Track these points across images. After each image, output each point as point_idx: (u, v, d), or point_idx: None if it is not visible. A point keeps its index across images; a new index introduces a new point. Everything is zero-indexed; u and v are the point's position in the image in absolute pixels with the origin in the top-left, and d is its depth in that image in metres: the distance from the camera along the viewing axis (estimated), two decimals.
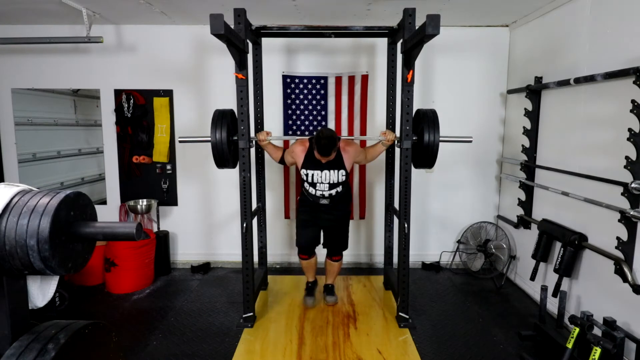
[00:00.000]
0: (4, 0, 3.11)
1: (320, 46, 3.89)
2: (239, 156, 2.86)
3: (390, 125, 3.45)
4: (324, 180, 2.94)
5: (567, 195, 2.88)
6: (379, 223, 4.03)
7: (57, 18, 3.58)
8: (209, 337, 2.83)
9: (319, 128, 3.04)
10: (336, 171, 2.93)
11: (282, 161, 3.12)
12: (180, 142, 3.11)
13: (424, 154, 2.88)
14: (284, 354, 2.60)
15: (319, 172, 2.93)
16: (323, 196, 3.00)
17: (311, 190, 3.01)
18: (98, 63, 3.89)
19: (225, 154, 2.87)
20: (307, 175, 2.96)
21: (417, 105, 3.69)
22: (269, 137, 3.02)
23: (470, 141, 2.96)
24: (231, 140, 2.87)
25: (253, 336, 2.83)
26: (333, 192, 2.98)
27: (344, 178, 2.96)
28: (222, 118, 2.86)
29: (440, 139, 2.82)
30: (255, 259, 3.31)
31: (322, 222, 3.13)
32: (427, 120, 2.86)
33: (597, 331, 2.31)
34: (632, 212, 2.25)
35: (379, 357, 2.58)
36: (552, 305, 2.94)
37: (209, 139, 2.85)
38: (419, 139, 2.88)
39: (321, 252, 3.29)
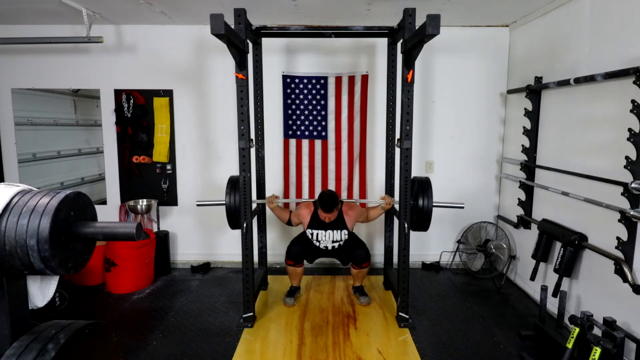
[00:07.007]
0: (4, 0, 3.11)
1: (320, 46, 3.89)
2: (239, 156, 2.86)
3: (390, 124, 3.46)
4: (327, 238, 3.21)
5: (567, 195, 2.88)
6: (379, 223, 4.03)
7: (57, 18, 3.58)
8: (209, 337, 2.83)
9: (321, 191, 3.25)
10: (339, 231, 3.20)
11: (288, 222, 3.34)
12: (197, 205, 3.26)
13: (419, 217, 3.01)
14: (284, 354, 2.60)
15: (323, 231, 3.20)
16: (327, 248, 3.25)
17: (315, 243, 3.25)
18: (98, 63, 3.89)
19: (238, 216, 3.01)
20: (312, 234, 3.22)
21: (417, 105, 3.71)
22: (276, 200, 3.24)
23: (462, 207, 3.11)
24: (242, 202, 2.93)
25: (253, 336, 2.83)
26: (336, 245, 3.24)
27: (346, 237, 3.23)
28: (234, 185, 3.06)
29: (434, 204, 2.97)
30: (255, 259, 3.32)
31: (327, 253, 3.30)
32: (421, 188, 3.00)
33: (597, 331, 2.31)
34: (632, 212, 2.25)
35: (379, 357, 2.58)
36: (552, 305, 2.94)
37: (224, 202, 3.05)
38: (415, 203, 3.00)
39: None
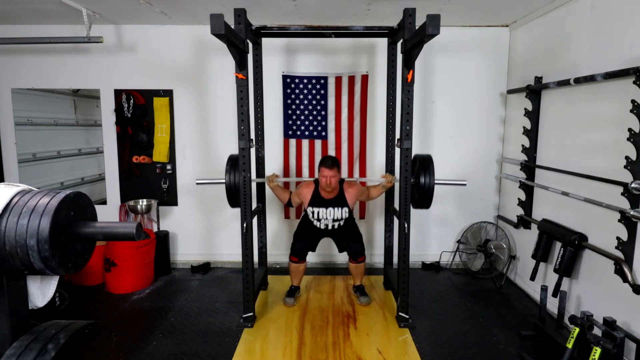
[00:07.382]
0: (4, 0, 3.11)
1: (320, 46, 3.89)
2: (239, 156, 2.86)
3: (390, 124, 3.46)
4: (328, 217, 3.16)
5: (567, 195, 2.88)
6: (379, 223, 4.04)
7: (57, 18, 3.58)
8: (209, 337, 2.83)
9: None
10: (340, 209, 3.15)
11: (289, 203, 3.30)
12: (197, 184, 3.23)
13: (420, 194, 3.00)
14: (284, 354, 2.60)
15: (323, 209, 3.15)
16: (327, 227, 3.21)
17: (316, 223, 3.21)
18: (98, 63, 3.89)
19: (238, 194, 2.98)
20: (312, 212, 3.18)
21: (417, 105, 3.71)
22: (276, 179, 3.16)
23: (465, 184, 3.11)
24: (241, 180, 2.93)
25: (253, 336, 2.83)
26: (336, 224, 3.20)
27: (347, 215, 3.18)
28: (234, 163, 3.01)
29: (435, 182, 2.95)
30: (255, 259, 3.31)
31: (327, 232, 3.27)
32: (423, 165, 2.98)
33: (597, 331, 2.31)
34: (632, 212, 2.25)
35: (379, 357, 2.58)
36: (552, 305, 2.94)
37: (223, 181, 3.01)
38: (417, 181, 2.98)
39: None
